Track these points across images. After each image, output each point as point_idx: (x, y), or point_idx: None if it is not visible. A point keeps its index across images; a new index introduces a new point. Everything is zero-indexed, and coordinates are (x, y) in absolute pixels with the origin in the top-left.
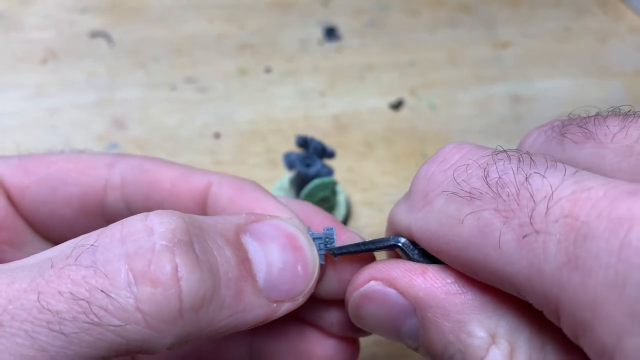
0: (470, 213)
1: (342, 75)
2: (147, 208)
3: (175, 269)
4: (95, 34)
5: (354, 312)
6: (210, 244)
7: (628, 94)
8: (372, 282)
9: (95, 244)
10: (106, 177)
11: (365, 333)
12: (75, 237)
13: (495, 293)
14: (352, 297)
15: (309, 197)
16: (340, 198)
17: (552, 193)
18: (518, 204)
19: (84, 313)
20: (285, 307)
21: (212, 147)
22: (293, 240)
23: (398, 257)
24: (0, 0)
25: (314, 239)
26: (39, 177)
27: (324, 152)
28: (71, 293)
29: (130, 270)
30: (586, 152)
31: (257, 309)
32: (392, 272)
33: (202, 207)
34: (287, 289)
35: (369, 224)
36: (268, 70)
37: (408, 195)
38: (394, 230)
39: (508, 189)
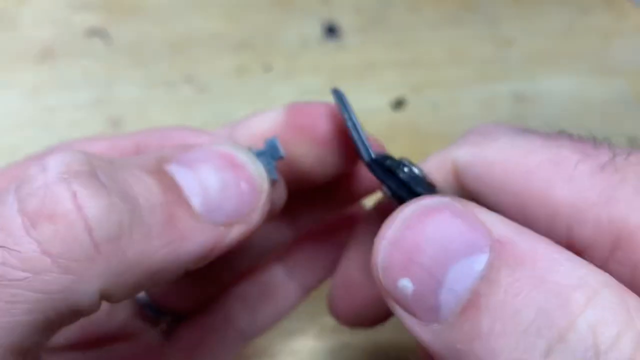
0: (544, 146)
1: (343, 73)
2: None
3: (74, 196)
4: (92, 32)
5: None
6: (123, 174)
7: (633, 93)
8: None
9: None
10: None
11: None
12: None
13: None
14: (405, 213)
15: None
16: None
17: (631, 151)
18: (598, 150)
19: None
20: (236, 230)
21: None
22: (230, 159)
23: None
24: None
25: (257, 155)
26: None
27: None
28: None
29: (24, 213)
30: None
31: (198, 235)
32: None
33: None
34: (232, 209)
35: None
36: (267, 69)
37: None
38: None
39: (589, 141)
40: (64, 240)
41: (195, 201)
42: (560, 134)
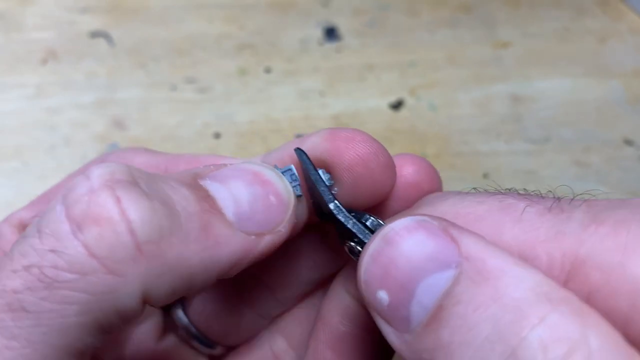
0: (492, 197)
1: (342, 75)
2: None
3: (118, 201)
4: (95, 34)
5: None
6: (161, 184)
7: (628, 94)
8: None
9: (40, 215)
10: None
11: None
12: None
13: None
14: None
15: None
16: None
17: (573, 196)
18: (543, 198)
19: (38, 279)
20: (267, 240)
21: (212, 147)
22: (259, 176)
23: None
24: (0, 1)
25: (282, 172)
26: None
27: None
28: (23, 266)
29: (70, 219)
30: None
31: (232, 242)
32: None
33: None
34: (263, 220)
35: None
36: (268, 70)
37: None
38: None
39: (534, 194)
40: (108, 242)
41: (228, 211)
42: (507, 192)
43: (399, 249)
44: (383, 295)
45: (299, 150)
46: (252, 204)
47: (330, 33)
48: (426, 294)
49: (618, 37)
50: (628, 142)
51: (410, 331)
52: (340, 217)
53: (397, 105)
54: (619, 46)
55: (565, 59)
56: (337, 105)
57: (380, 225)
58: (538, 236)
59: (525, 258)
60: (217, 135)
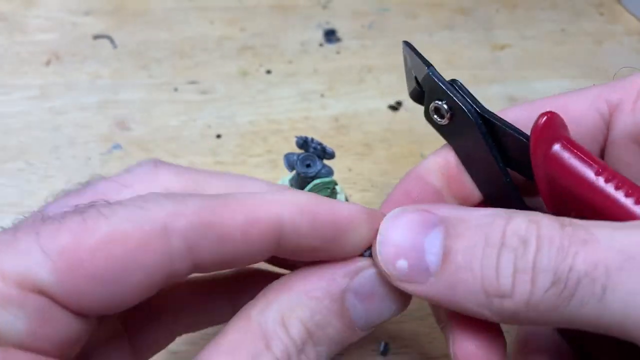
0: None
1: (342, 76)
2: (219, 262)
3: None
4: (98, 36)
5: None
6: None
7: None
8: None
9: None
10: (169, 252)
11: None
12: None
13: None
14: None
15: None
16: (340, 198)
17: None
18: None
19: None
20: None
21: (214, 147)
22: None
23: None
24: (4, 2)
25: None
26: (89, 274)
27: (324, 153)
28: None
29: None
30: None
31: (348, 339)
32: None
33: (275, 240)
34: (378, 324)
35: None
36: (269, 72)
37: None
38: None
39: None
40: None
41: (359, 324)
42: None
43: (397, 228)
44: (402, 263)
45: (406, 43)
46: (380, 318)
47: (330, 35)
48: (432, 246)
49: (614, 38)
50: None
51: (431, 275)
52: (435, 78)
53: (395, 107)
54: (615, 48)
55: (562, 60)
56: (337, 106)
57: (462, 87)
58: (598, 91)
59: (595, 104)
60: (218, 136)
